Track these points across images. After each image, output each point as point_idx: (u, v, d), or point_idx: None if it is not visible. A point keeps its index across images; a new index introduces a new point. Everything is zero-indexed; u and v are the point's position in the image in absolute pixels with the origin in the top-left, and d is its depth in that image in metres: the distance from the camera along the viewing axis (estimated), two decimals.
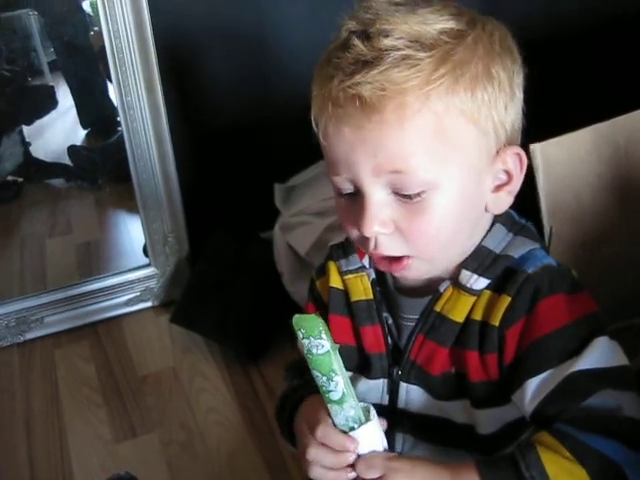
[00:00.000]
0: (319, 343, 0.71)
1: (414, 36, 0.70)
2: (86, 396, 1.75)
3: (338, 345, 0.73)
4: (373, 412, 0.75)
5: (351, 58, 0.70)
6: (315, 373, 0.73)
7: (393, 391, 0.84)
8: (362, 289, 0.85)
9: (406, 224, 0.74)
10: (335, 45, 0.74)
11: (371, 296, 0.85)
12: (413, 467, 0.72)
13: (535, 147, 1.06)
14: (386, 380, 0.85)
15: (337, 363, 0.72)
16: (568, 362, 0.72)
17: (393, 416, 0.84)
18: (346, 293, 0.87)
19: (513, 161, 0.76)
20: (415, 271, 0.78)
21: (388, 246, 0.75)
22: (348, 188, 0.75)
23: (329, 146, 0.74)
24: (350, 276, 0.86)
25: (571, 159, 1.09)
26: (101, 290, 1.99)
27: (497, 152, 0.75)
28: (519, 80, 0.77)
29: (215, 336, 1.82)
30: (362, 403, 0.75)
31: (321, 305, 0.92)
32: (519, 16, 1.89)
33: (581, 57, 2.00)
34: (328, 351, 0.71)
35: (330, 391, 0.73)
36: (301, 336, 0.71)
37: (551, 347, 0.74)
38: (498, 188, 0.77)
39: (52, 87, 2.18)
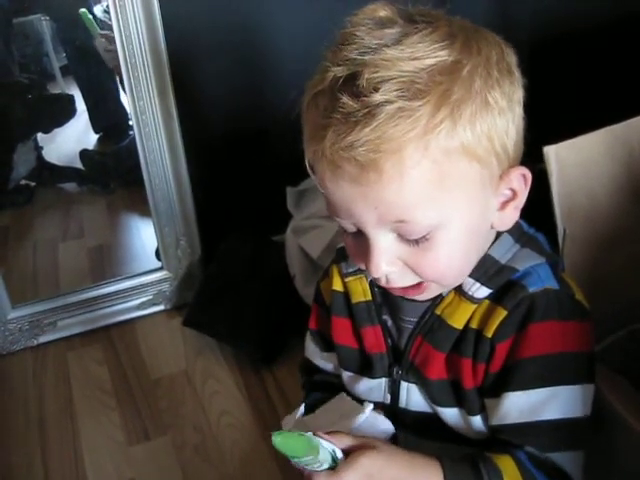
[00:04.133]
0: (307, 460, 0.70)
1: (405, 83, 0.65)
2: (99, 399, 1.76)
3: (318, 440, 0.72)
4: (340, 457, 0.74)
5: (341, 117, 0.66)
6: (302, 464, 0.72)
7: (394, 390, 0.85)
8: (361, 291, 0.86)
9: (415, 263, 0.74)
10: (320, 89, 0.70)
11: (370, 297, 0.86)
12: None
13: (549, 149, 1.05)
14: (387, 379, 0.86)
15: (323, 454, 0.71)
16: (541, 390, 0.75)
17: (394, 415, 0.85)
18: (347, 295, 0.88)
19: (518, 180, 0.75)
20: (433, 292, 0.79)
21: (400, 280, 0.76)
22: (352, 229, 0.74)
23: (328, 194, 0.72)
24: (350, 278, 0.87)
25: (585, 161, 1.09)
26: (114, 294, 1.99)
27: (500, 176, 0.73)
28: (519, 94, 0.74)
29: (228, 339, 1.82)
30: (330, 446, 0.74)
31: (324, 307, 0.93)
32: (531, 16, 1.90)
33: (594, 58, 2.00)
34: (314, 457, 0.70)
35: (309, 465, 0.72)
36: (287, 455, 0.70)
37: (531, 371, 0.76)
38: (504, 205, 0.76)
39: (72, 96, 2.19)
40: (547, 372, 0.76)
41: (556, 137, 1.06)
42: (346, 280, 0.88)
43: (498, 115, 0.70)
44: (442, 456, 0.76)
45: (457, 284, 0.79)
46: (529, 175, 0.75)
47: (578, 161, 1.08)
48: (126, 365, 1.85)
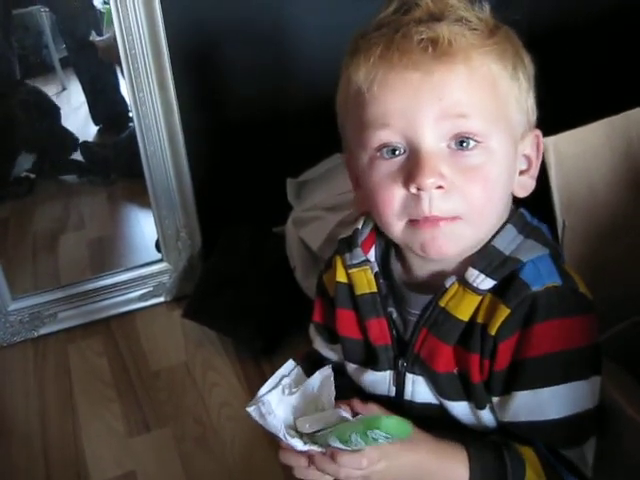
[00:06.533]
0: (387, 441, 0.71)
1: (466, 4, 0.75)
2: (99, 391, 1.76)
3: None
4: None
5: (420, 12, 0.73)
6: (358, 440, 0.72)
7: (399, 382, 0.85)
8: (366, 282, 0.85)
9: (463, 180, 0.73)
10: (387, 13, 0.76)
11: (375, 289, 0.85)
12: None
13: (548, 141, 1.05)
14: (392, 372, 0.85)
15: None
16: (548, 389, 0.76)
17: (400, 407, 0.85)
18: (351, 287, 0.87)
19: (532, 145, 0.80)
20: (453, 238, 0.76)
21: (443, 205, 0.73)
22: (395, 142, 0.74)
23: (384, 95, 0.73)
24: (354, 270, 0.86)
25: (584, 152, 1.09)
26: (114, 285, 1.99)
27: (522, 134, 0.78)
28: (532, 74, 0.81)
29: (228, 331, 1.82)
30: None
31: (327, 299, 0.93)
32: (530, 6, 1.89)
33: (593, 49, 1.99)
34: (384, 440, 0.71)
35: (356, 446, 0.73)
36: (382, 435, 0.70)
37: (537, 370, 0.76)
38: (521, 173, 0.80)
39: (76, 139, 2.22)
40: (553, 371, 0.76)
41: (555, 128, 1.05)
42: (350, 271, 0.87)
43: (524, 75, 0.78)
44: (468, 442, 0.78)
45: (477, 238, 0.78)
46: (541, 138, 0.82)
47: (577, 152, 1.08)
48: (126, 357, 1.85)
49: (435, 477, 0.78)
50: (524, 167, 0.81)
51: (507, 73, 0.75)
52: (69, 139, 2.21)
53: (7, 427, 1.69)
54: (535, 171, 0.81)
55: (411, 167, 0.73)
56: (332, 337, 0.94)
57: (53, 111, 2.21)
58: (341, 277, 0.88)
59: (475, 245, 0.79)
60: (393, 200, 0.75)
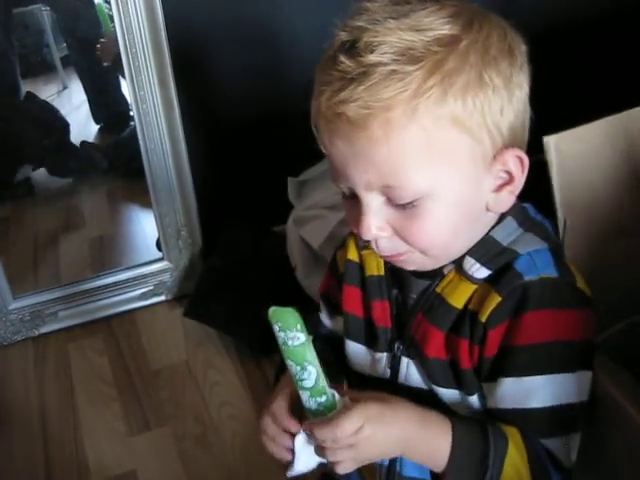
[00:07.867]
0: (295, 336, 0.73)
1: (401, 49, 0.68)
2: (100, 390, 1.76)
3: (312, 336, 0.75)
4: (338, 398, 0.76)
5: (337, 74, 0.70)
6: (289, 362, 0.74)
7: (394, 365, 0.86)
8: (375, 265, 0.88)
9: (403, 228, 0.75)
10: (328, 55, 0.73)
11: (382, 272, 0.87)
12: (385, 414, 0.75)
13: (549, 140, 1.05)
14: (388, 354, 0.87)
15: (311, 354, 0.74)
16: (533, 378, 0.77)
17: (393, 390, 0.85)
18: (362, 266, 0.90)
19: (514, 162, 0.75)
20: (416, 264, 0.80)
21: (389, 247, 0.77)
22: (347, 191, 0.77)
23: (328, 154, 0.76)
24: (366, 251, 0.88)
25: (585, 151, 1.09)
26: (114, 284, 1.99)
27: (494, 156, 0.74)
28: (520, 78, 0.74)
29: (228, 330, 1.82)
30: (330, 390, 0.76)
31: (337, 275, 0.95)
32: (531, 4, 1.89)
33: (594, 47, 1.99)
34: (303, 343, 0.73)
35: (303, 379, 0.74)
36: (277, 329, 0.73)
37: (524, 358, 0.77)
38: (500, 188, 0.76)
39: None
40: (540, 361, 0.77)
41: (556, 127, 1.05)
42: (362, 252, 0.89)
43: (492, 93, 0.71)
44: (453, 413, 0.79)
45: (444, 261, 0.80)
46: (526, 159, 0.76)
47: (578, 151, 1.07)
48: (127, 356, 1.85)
49: (418, 448, 0.77)
50: (504, 180, 0.76)
51: (450, 113, 0.69)
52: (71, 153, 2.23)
53: (7, 426, 1.69)
54: (516, 187, 0.76)
55: (357, 215, 0.76)
56: (331, 309, 0.98)
57: (53, 109, 2.21)
58: (352, 255, 0.91)
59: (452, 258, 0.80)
60: (355, 230, 0.79)
